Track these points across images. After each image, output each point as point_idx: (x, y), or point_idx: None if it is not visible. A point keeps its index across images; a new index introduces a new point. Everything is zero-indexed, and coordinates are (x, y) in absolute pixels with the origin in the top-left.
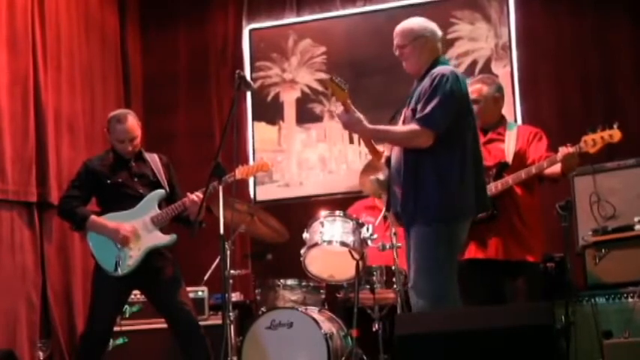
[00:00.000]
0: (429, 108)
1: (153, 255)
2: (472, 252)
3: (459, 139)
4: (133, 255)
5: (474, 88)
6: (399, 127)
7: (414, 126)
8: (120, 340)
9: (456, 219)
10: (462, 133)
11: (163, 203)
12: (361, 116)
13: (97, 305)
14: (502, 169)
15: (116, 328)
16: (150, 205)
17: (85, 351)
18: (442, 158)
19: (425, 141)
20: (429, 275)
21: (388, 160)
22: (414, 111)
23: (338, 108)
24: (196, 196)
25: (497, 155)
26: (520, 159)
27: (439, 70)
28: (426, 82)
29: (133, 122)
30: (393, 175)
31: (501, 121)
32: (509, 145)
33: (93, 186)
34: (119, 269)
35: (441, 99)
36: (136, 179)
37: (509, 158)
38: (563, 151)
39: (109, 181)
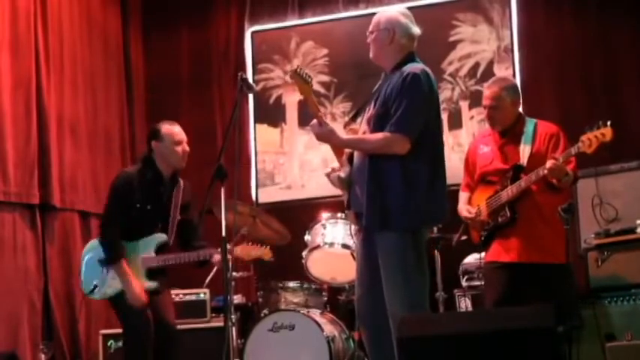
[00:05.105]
0: (401, 112)
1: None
2: (495, 255)
3: (430, 142)
4: (112, 285)
5: (491, 91)
6: (373, 136)
7: (387, 133)
8: (121, 343)
9: (424, 226)
10: (432, 135)
11: (163, 245)
12: (333, 127)
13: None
14: (518, 171)
15: (115, 331)
16: (150, 245)
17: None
18: (411, 162)
19: (401, 148)
20: (401, 284)
21: (350, 156)
22: (381, 112)
23: (312, 120)
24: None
25: (513, 158)
26: (537, 160)
27: (410, 68)
28: (396, 80)
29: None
30: (355, 174)
31: (518, 121)
32: (524, 147)
33: (126, 205)
34: (95, 293)
35: (414, 102)
36: (160, 207)
37: (524, 160)
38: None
39: (138, 205)
